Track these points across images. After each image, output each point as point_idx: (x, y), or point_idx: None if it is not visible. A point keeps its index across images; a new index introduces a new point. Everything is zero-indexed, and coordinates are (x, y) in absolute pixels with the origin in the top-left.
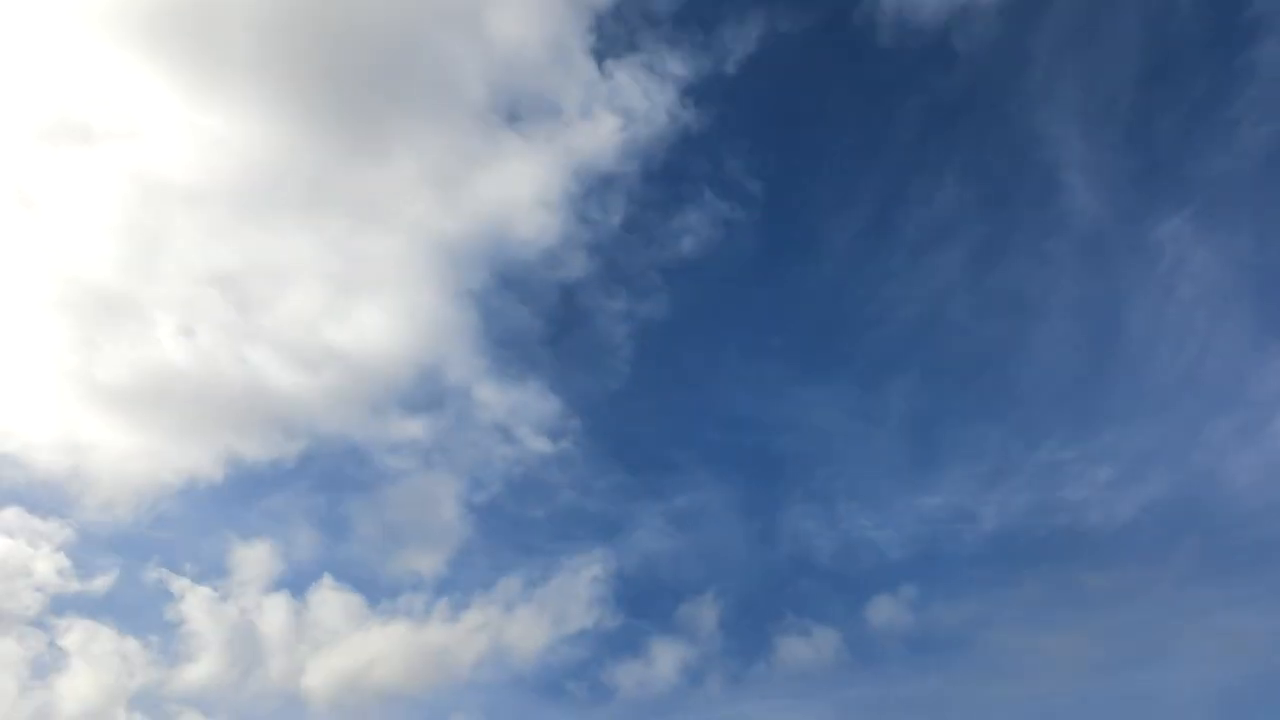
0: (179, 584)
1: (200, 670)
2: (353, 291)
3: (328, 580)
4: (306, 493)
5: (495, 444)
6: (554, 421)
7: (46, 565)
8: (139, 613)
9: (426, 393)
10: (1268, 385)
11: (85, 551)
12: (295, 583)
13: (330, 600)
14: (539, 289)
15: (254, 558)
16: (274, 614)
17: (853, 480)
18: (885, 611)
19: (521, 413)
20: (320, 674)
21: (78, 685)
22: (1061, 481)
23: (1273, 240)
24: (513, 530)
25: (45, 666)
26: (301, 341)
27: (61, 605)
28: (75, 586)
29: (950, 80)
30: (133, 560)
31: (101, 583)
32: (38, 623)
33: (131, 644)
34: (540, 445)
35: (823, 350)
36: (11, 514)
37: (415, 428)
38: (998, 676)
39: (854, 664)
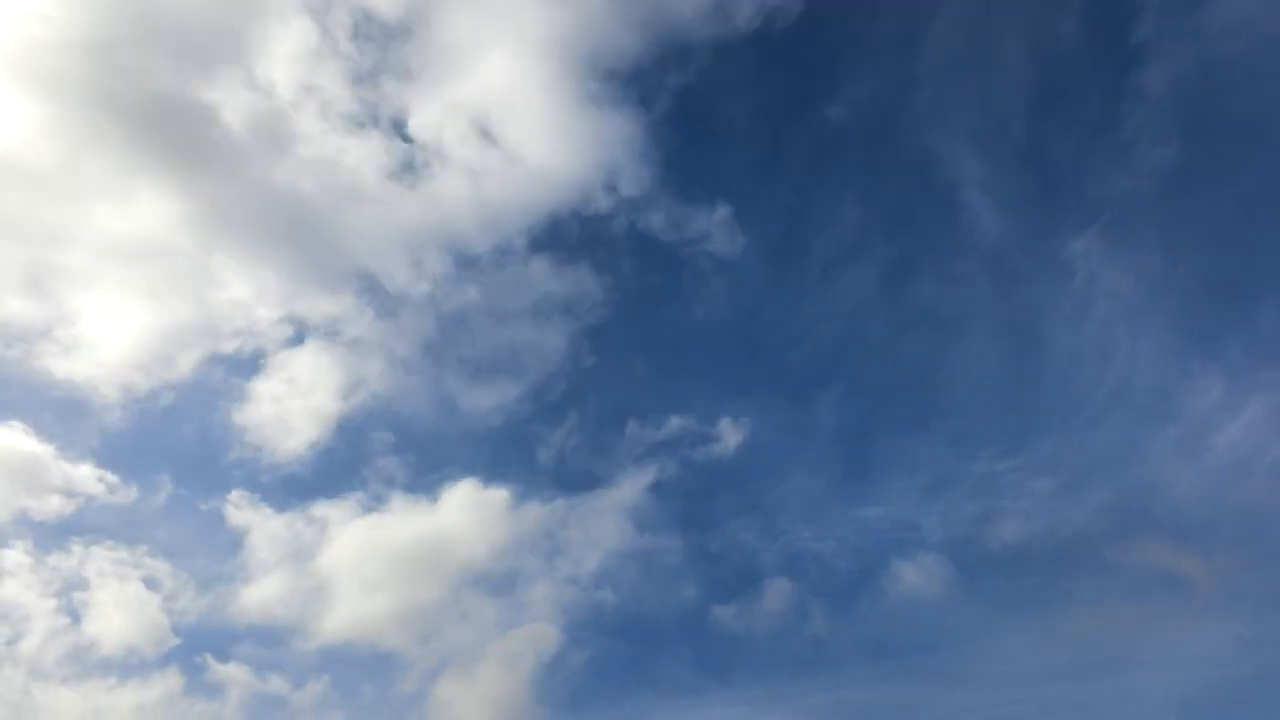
0: None
1: None
2: None
3: None
4: None
5: None
6: None
7: None
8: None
9: None
10: (1197, 398)
11: None
12: None
13: None
14: None
15: None
16: None
17: (789, 494)
18: (836, 621)
19: None
20: None
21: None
22: (1002, 491)
23: (1181, 258)
24: None
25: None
26: None
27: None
28: None
29: (838, 103)
30: None
31: None
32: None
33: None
34: None
35: (745, 367)
36: None
37: None
38: (956, 684)
39: (810, 673)
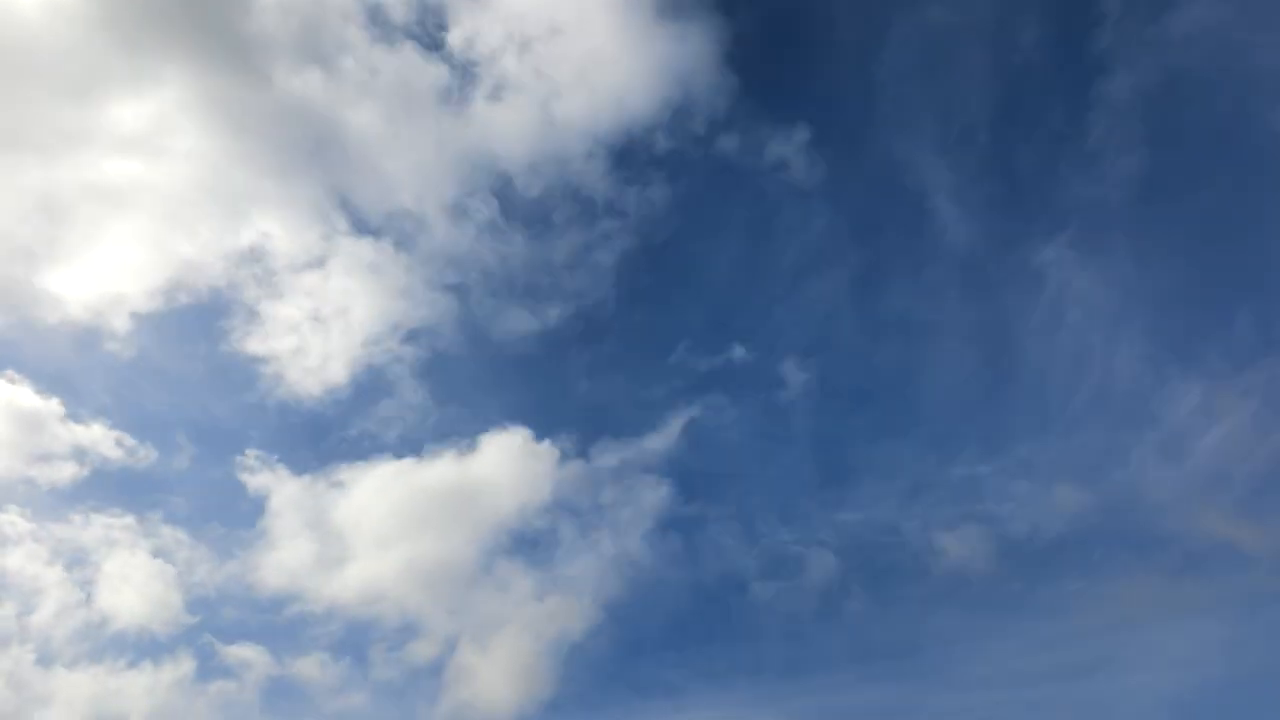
0: None
1: None
2: None
3: None
4: None
5: None
6: None
7: None
8: None
9: None
10: (1174, 404)
11: None
12: None
13: None
14: None
15: None
16: None
17: (767, 497)
18: (822, 624)
19: None
20: None
21: None
22: (982, 495)
23: (1153, 265)
24: None
25: None
26: None
27: None
28: None
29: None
30: None
31: None
32: None
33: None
34: None
35: (717, 371)
36: None
37: None
38: (943, 686)
39: (796, 675)
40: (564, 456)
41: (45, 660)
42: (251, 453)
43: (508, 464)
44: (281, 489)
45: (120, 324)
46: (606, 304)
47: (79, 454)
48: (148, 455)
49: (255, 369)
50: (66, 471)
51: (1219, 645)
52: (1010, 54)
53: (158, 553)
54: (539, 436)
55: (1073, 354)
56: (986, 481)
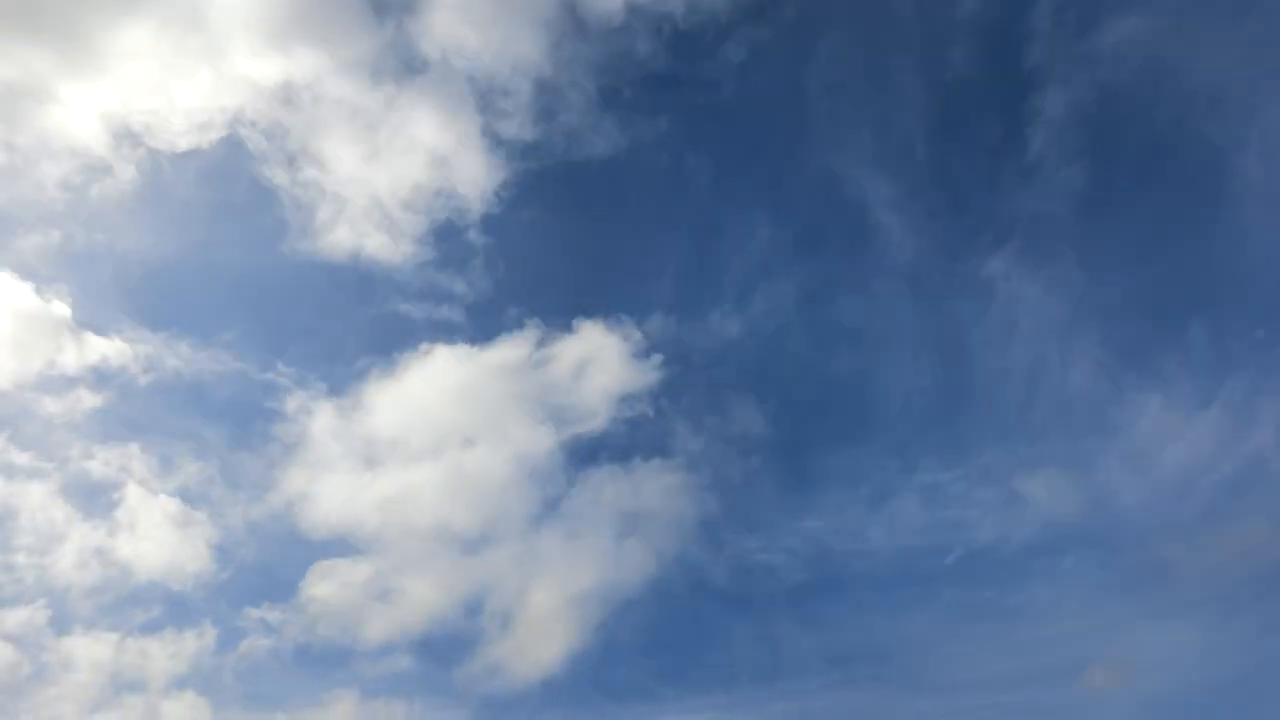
0: None
1: None
2: None
3: None
4: None
5: None
6: None
7: None
8: None
9: None
10: (1133, 412)
11: None
12: None
13: None
14: None
15: None
16: None
17: (730, 506)
18: (794, 629)
19: None
20: None
21: None
22: (946, 502)
23: (1101, 275)
24: None
25: None
26: None
27: None
28: None
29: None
30: None
31: None
32: None
33: None
34: None
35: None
36: None
37: None
38: (919, 690)
39: (771, 680)
40: None
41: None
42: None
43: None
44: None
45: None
46: None
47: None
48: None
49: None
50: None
51: (1199, 649)
52: (941, 70)
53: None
54: None
55: (1027, 364)
56: (950, 488)
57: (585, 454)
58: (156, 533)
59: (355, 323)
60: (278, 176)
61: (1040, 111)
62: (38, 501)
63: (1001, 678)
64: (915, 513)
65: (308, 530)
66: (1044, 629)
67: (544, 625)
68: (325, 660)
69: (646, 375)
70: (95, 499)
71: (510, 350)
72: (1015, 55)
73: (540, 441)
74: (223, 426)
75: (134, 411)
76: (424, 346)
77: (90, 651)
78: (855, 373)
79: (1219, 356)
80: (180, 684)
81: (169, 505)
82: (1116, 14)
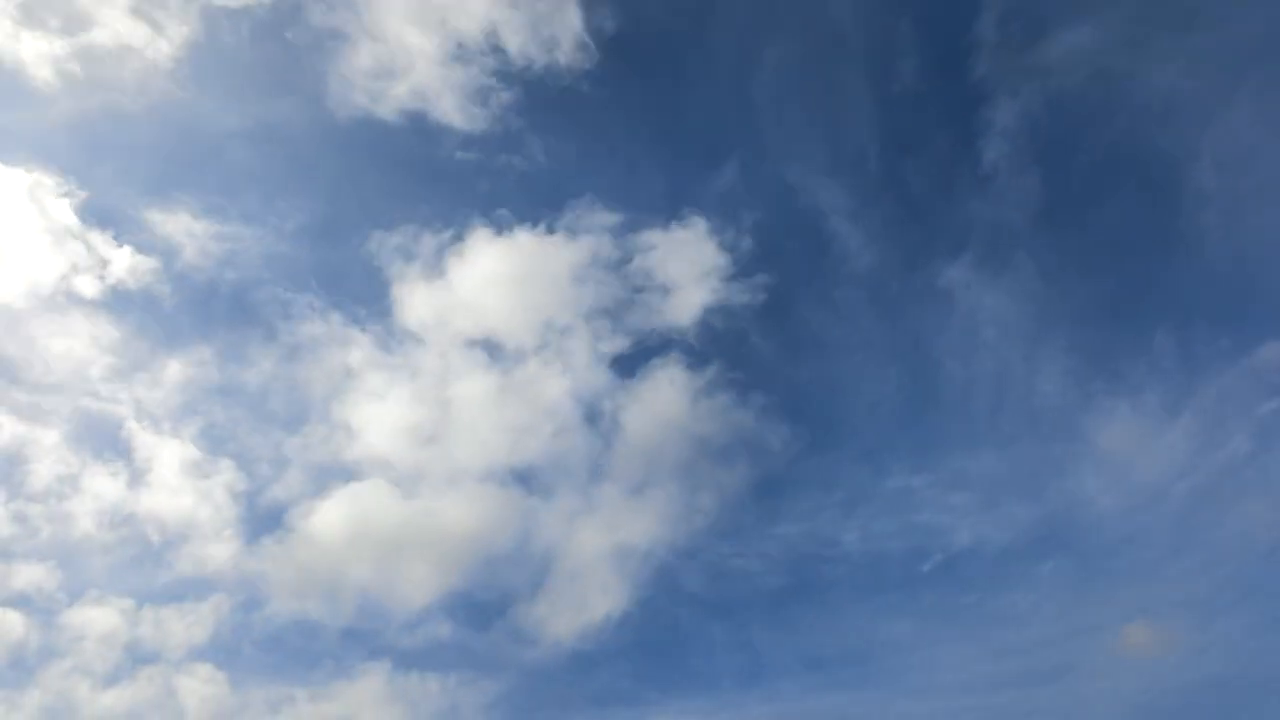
0: None
1: None
2: None
3: None
4: None
5: None
6: None
7: None
8: None
9: None
10: (1102, 418)
11: None
12: None
13: None
14: None
15: None
16: None
17: (700, 511)
18: (773, 633)
19: None
20: None
21: None
22: (919, 506)
23: (1061, 283)
24: None
25: None
26: None
27: None
28: None
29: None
30: None
31: None
32: None
33: None
34: None
35: None
36: None
37: None
38: (901, 693)
39: (751, 684)
40: None
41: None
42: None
43: None
44: None
45: None
46: None
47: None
48: None
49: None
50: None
51: (1181, 651)
52: (889, 83)
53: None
54: None
55: (992, 371)
56: (922, 493)
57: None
58: (175, 480)
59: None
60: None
61: (991, 122)
62: (47, 444)
63: (983, 681)
64: (888, 518)
65: (346, 466)
66: (1023, 632)
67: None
68: (355, 629)
69: None
70: (107, 440)
71: None
72: (962, 67)
73: None
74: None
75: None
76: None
77: (103, 619)
78: (818, 380)
79: (1185, 365)
80: (197, 655)
81: (188, 449)
82: (1062, 25)
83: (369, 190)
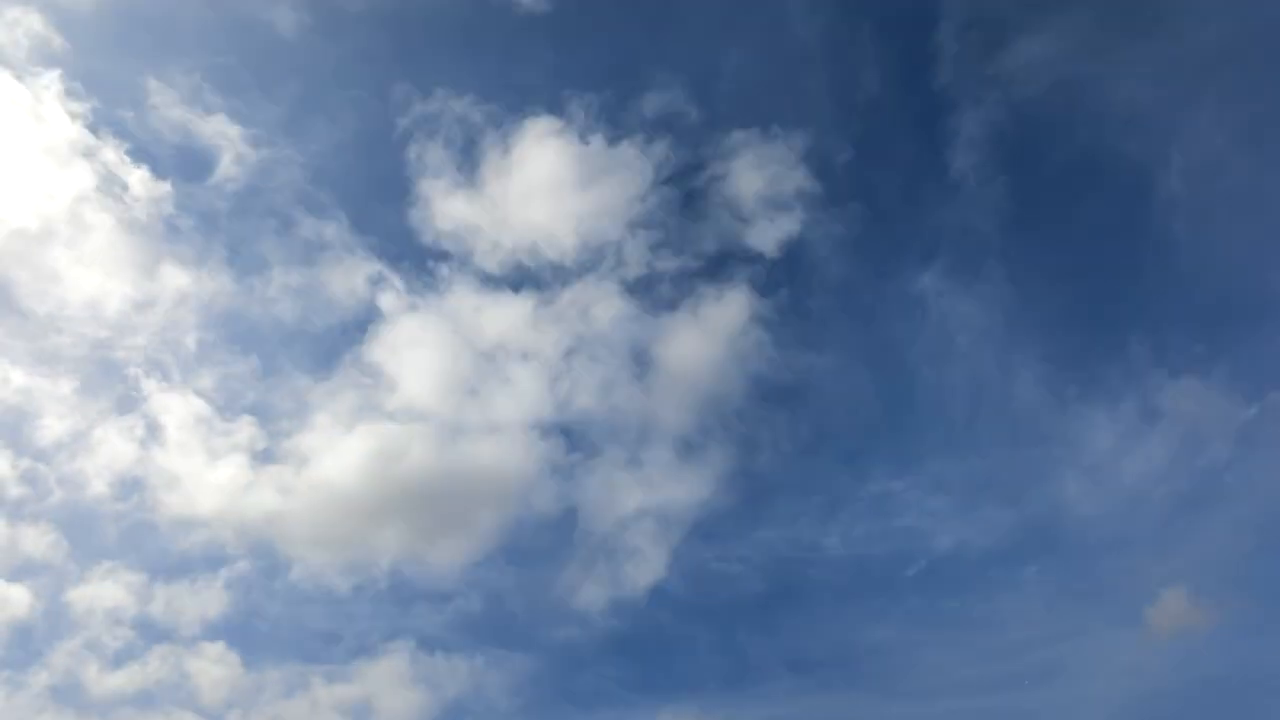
0: None
1: None
2: None
3: None
4: None
5: None
6: None
7: None
8: None
9: None
10: (1079, 423)
11: None
12: None
13: None
14: None
15: None
16: None
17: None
18: (759, 639)
19: None
20: None
21: None
22: (900, 510)
23: (1033, 290)
24: None
25: None
26: None
27: None
28: None
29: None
30: None
31: None
32: None
33: None
34: None
35: None
36: None
37: None
38: (886, 695)
39: (739, 687)
40: None
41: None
42: None
43: None
44: None
45: None
46: None
47: None
48: None
49: None
50: None
51: (1170, 653)
52: (852, 92)
53: None
54: None
55: (967, 377)
56: (902, 497)
57: None
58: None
59: None
60: None
61: (957, 131)
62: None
63: (970, 683)
64: (868, 522)
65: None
66: (1009, 635)
67: None
68: (380, 603)
69: None
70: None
71: None
72: (924, 78)
73: None
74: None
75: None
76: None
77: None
78: (795, 386)
79: (1161, 371)
80: (210, 634)
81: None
82: (1022, 34)
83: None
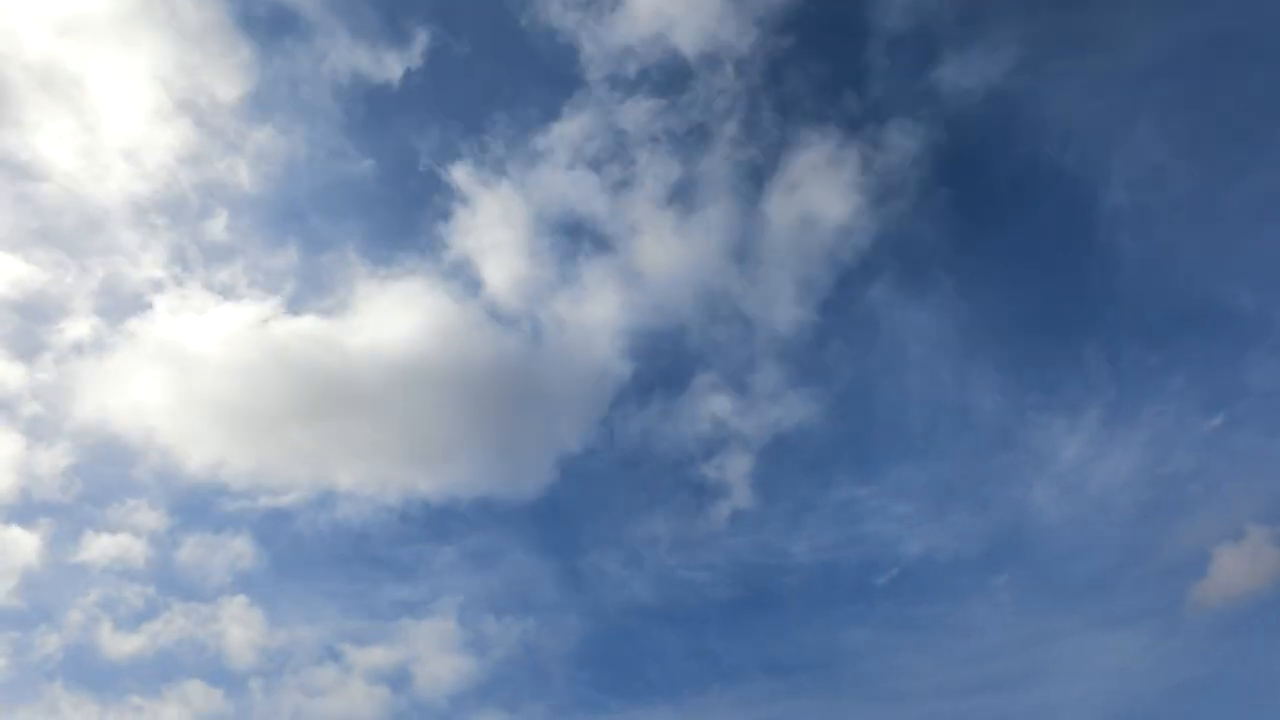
0: None
1: None
2: None
3: None
4: None
5: None
6: None
7: None
8: None
9: None
10: (1038, 431)
11: None
12: None
13: None
14: None
15: None
16: None
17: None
18: (732, 644)
19: None
20: None
21: None
22: (865, 517)
23: (981, 301)
24: None
25: None
26: None
27: None
28: None
29: None
30: None
31: None
32: None
33: None
34: None
35: None
36: None
37: None
38: (863, 698)
39: (714, 691)
40: None
41: None
42: None
43: None
44: None
45: None
46: None
47: None
48: None
49: None
50: None
51: (1149, 657)
52: (787, 107)
53: None
54: None
55: (923, 387)
56: (866, 503)
57: None
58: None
59: None
60: None
61: (893, 146)
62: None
63: (947, 687)
64: (834, 528)
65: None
66: (982, 640)
67: None
68: (417, 556)
69: None
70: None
71: None
72: (852, 93)
73: None
74: None
75: None
76: None
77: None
78: None
79: (1117, 379)
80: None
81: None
82: (953, 50)
83: None
